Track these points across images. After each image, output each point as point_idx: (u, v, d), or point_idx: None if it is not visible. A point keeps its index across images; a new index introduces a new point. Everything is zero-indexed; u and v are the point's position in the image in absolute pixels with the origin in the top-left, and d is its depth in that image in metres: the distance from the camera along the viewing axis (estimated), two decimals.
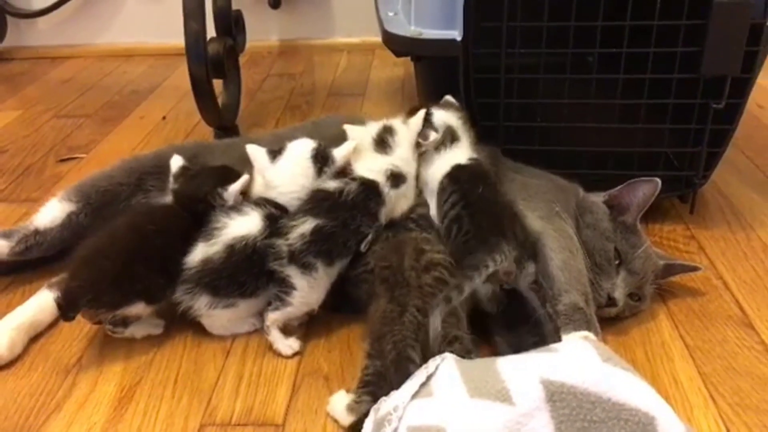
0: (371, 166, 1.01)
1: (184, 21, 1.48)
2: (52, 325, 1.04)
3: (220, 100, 1.64)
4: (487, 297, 0.94)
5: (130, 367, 0.97)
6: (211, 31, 1.62)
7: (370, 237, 0.99)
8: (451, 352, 0.81)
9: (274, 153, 1.03)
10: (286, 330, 0.98)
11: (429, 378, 0.76)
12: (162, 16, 2.30)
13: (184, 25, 1.48)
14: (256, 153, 1.03)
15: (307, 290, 0.95)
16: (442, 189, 1.00)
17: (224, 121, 1.65)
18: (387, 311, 0.87)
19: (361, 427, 0.78)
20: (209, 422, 0.87)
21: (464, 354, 0.84)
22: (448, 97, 1.15)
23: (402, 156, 1.03)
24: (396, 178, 1.01)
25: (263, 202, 1.00)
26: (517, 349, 0.87)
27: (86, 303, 0.93)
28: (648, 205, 1.06)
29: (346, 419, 0.83)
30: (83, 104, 1.97)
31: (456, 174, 1.00)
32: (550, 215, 1.02)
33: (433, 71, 1.39)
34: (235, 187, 1.02)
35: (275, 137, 1.19)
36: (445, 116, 1.07)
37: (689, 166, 1.23)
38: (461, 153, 1.04)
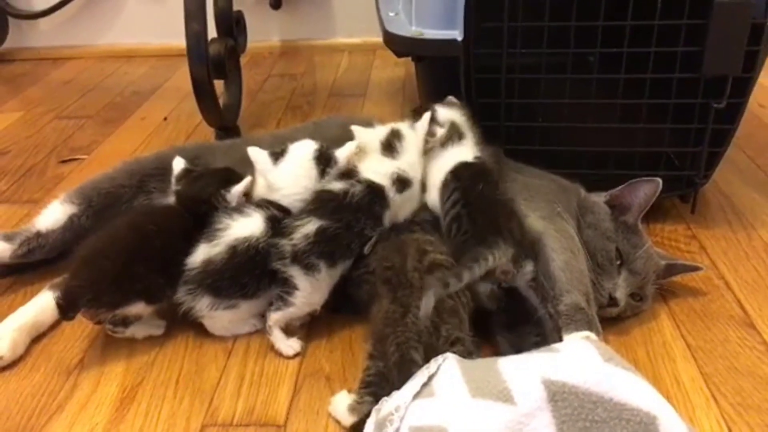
0: (378, 169, 1.01)
1: (186, 22, 1.48)
2: (54, 325, 1.04)
3: (221, 101, 1.64)
4: (486, 295, 0.94)
5: (131, 367, 0.97)
6: (212, 32, 1.63)
7: (373, 240, 0.99)
8: (453, 353, 0.81)
9: (276, 155, 1.03)
10: (288, 330, 0.98)
11: (430, 378, 0.76)
12: (163, 16, 2.30)
13: (185, 26, 1.48)
14: (258, 155, 1.03)
15: (310, 291, 0.95)
16: (445, 185, 1.00)
17: (225, 122, 1.65)
18: (390, 312, 0.87)
19: (363, 428, 0.78)
20: (211, 423, 0.87)
21: (466, 355, 0.83)
22: (451, 98, 1.15)
23: (409, 161, 1.03)
24: (402, 183, 1.01)
25: (266, 204, 1.00)
26: (519, 349, 0.87)
27: (86, 303, 0.93)
28: (649, 205, 1.06)
29: (348, 419, 0.83)
30: (85, 105, 1.97)
31: (459, 172, 1.00)
32: (551, 215, 1.02)
33: (434, 71, 1.39)
34: (238, 189, 1.02)
35: (276, 138, 1.20)
36: (449, 113, 1.08)
37: (690, 166, 1.23)
38: (466, 150, 1.04)
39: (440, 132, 1.04)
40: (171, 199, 1.06)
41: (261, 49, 2.34)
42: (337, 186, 0.99)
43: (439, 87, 1.24)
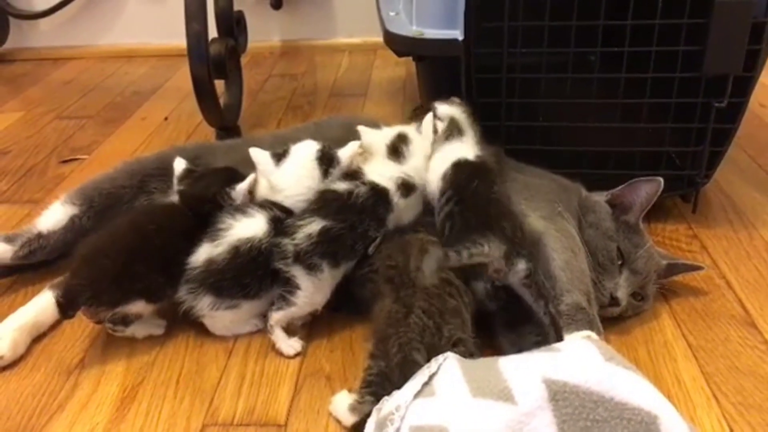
0: (383, 172, 1.01)
1: (186, 22, 1.48)
2: (54, 325, 1.04)
3: (221, 101, 1.64)
4: (484, 294, 0.93)
5: (132, 367, 0.97)
6: (212, 32, 1.63)
7: (378, 240, 0.99)
8: (455, 353, 0.81)
9: (278, 156, 1.03)
10: (289, 330, 0.98)
11: (431, 377, 0.76)
12: (164, 17, 2.30)
13: (185, 26, 1.48)
14: (260, 156, 1.03)
15: (312, 291, 0.95)
16: (443, 180, 1.00)
17: (226, 122, 1.65)
18: (392, 312, 0.87)
19: (364, 427, 0.78)
20: (211, 422, 0.87)
21: (467, 356, 0.83)
22: (455, 99, 1.15)
23: (414, 166, 1.03)
24: (407, 189, 1.01)
25: (269, 205, 1.00)
26: (521, 348, 0.87)
27: (86, 301, 0.93)
28: (650, 205, 1.05)
29: (349, 419, 0.83)
30: (85, 105, 1.97)
31: (456, 169, 1.00)
32: (552, 215, 1.01)
33: (435, 71, 1.39)
34: (243, 186, 1.02)
35: (277, 138, 1.20)
36: (449, 109, 1.08)
37: (691, 166, 1.23)
38: (467, 148, 1.04)
39: (439, 125, 1.05)
40: (172, 198, 1.06)
41: (262, 49, 2.34)
42: (342, 186, 0.99)
43: (439, 87, 1.24)
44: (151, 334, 1.01)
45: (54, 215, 1.13)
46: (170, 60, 2.27)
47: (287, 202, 1.01)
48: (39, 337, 1.02)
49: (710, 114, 1.14)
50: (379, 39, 1.34)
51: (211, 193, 1.02)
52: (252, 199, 1.03)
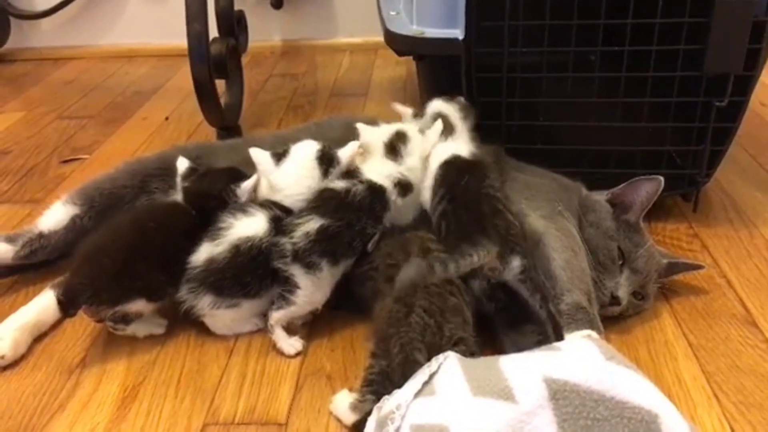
0: (380, 170, 1.01)
1: (187, 22, 1.48)
2: (55, 325, 1.04)
3: (222, 101, 1.64)
4: (481, 292, 0.93)
5: (133, 366, 0.97)
6: (213, 32, 1.63)
7: (376, 237, 0.99)
8: (456, 352, 0.81)
9: (279, 156, 1.03)
10: (289, 329, 0.98)
11: (432, 376, 0.76)
12: (164, 16, 2.30)
13: (186, 26, 1.48)
14: (260, 156, 1.03)
15: (311, 289, 0.95)
16: (436, 178, 1.00)
17: (227, 122, 1.65)
18: (393, 311, 0.87)
19: (364, 426, 0.78)
20: (212, 421, 0.87)
21: (468, 355, 0.83)
22: (460, 98, 1.15)
23: (412, 165, 1.02)
24: (404, 188, 1.01)
25: (269, 205, 1.00)
26: (522, 347, 0.87)
27: (86, 299, 0.93)
28: (651, 204, 1.06)
29: (350, 418, 0.83)
30: (86, 105, 1.97)
31: (447, 166, 1.00)
32: (552, 214, 1.01)
33: (436, 70, 1.39)
34: (248, 184, 1.02)
35: (277, 138, 1.20)
36: (441, 106, 1.08)
37: (692, 165, 1.23)
38: (459, 145, 1.04)
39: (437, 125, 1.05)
40: (175, 197, 1.06)
41: (262, 48, 2.34)
42: (339, 184, 0.99)
43: (440, 86, 1.24)
44: (152, 333, 1.01)
45: (55, 215, 1.13)
46: (171, 60, 2.27)
47: (287, 202, 1.01)
48: (40, 337, 1.02)
49: (711, 113, 1.14)
50: (380, 38, 1.34)
51: (217, 190, 1.02)
52: (253, 199, 1.03)
